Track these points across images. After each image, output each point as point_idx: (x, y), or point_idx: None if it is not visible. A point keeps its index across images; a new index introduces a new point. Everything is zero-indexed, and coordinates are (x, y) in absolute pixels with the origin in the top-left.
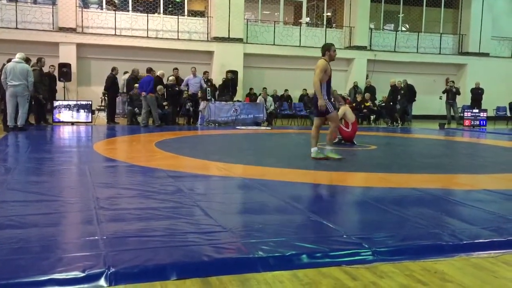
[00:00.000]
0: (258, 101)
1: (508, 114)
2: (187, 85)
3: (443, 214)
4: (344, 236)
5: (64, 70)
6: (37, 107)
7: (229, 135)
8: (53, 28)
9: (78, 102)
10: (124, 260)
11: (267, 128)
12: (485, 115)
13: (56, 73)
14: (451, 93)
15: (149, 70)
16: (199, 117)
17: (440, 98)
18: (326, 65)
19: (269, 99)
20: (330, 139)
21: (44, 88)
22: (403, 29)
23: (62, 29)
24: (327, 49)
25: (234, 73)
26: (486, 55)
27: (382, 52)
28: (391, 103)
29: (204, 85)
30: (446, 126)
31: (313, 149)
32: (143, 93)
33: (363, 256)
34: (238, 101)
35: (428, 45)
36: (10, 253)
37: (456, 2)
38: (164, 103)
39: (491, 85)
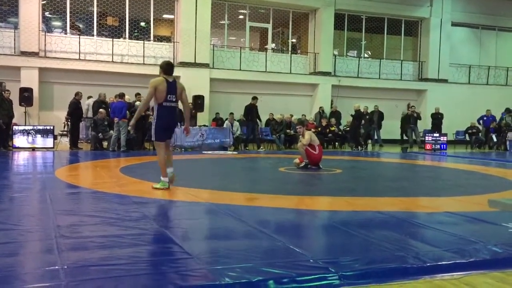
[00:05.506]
0: (224, 125)
1: (467, 138)
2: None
3: (407, 236)
4: (311, 260)
5: (26, 95)
6: None
7: (195, 160)
8: (14, 52)
9: (40, 127)
10: None
11: (234, 153)
12: (445, 139)
13: (16, 98)
14: (413, 118)
15: (122, 96)
16: None
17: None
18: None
19: (236, 123)
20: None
21: (3, 113)
22: (366, 55)
23: (24, 53)
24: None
25: (200, 97)
26: (445, 81)
27: (346, 78)
28: (356, 128)
29: None
30: (408, 150)
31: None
32: (116, 119)
33: (330, 280)
34: (204, 125)
35: (389, 71)
36: None
37: (416, 31)
38: (129, 128)
39: (450, 110)
